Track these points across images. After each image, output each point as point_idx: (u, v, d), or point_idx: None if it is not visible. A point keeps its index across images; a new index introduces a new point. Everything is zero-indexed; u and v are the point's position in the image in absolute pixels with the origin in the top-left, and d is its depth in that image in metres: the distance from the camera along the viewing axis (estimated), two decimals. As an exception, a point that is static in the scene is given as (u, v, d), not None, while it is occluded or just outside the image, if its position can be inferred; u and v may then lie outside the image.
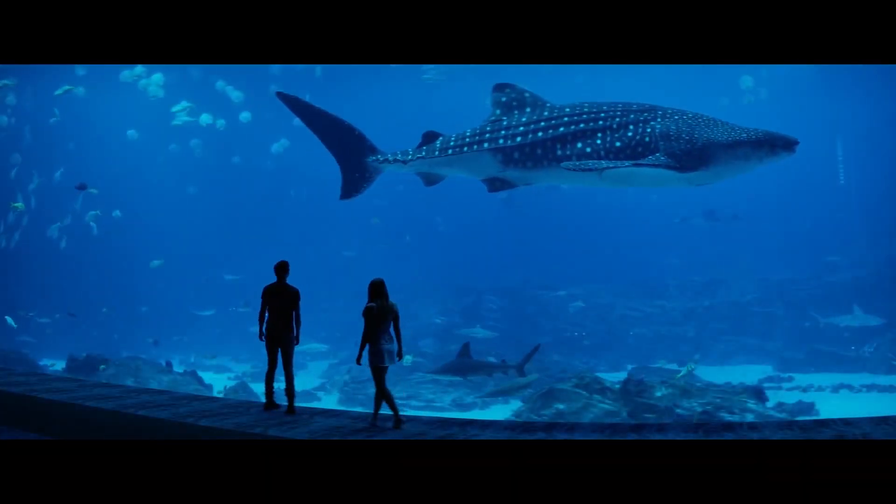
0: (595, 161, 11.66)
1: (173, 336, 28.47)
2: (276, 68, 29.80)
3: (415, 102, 33.26)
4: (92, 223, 28.31)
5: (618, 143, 11.72)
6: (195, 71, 30.17)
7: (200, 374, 21.33)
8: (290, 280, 8.64)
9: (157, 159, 35.47)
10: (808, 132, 11.83)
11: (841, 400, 18.32)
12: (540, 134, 12.26)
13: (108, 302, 31.21)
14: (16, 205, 26.28)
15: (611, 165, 11.49)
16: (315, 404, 18.12)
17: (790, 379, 21.19)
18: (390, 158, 13.63)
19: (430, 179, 13.72)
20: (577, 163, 11.75)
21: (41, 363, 23.01)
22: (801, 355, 23.17)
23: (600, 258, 35.33)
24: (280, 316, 8.54)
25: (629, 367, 22.79)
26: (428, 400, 18.76)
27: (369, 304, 7.62)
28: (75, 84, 29.29)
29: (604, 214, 37.08)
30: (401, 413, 7.76)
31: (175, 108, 26.89)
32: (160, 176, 37.17)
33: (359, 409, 8.08)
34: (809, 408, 16.46)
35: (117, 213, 29.43)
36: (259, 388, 18.43)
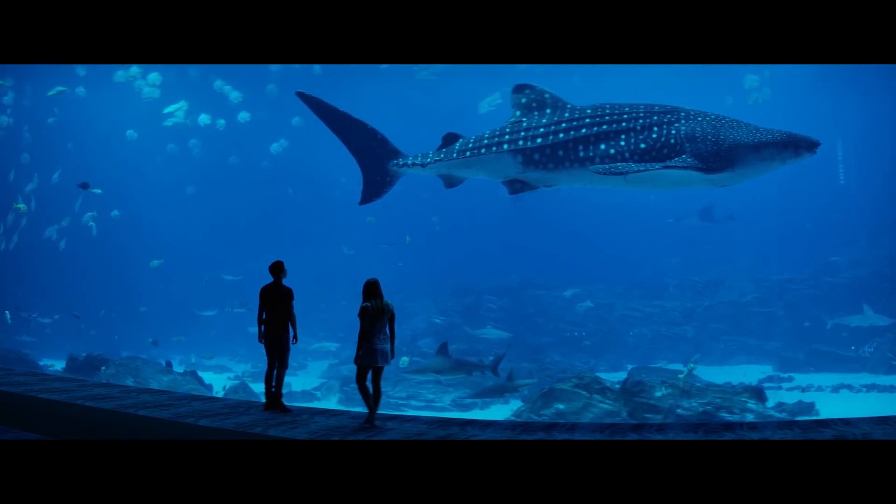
0: (624, 164, 11.60)
1: (173, 336, 28.46)
2: (275, 68, 29.81)
3: (415, 102, 33.31)
4: (92, 223, 28.31)
5: (642, 145, 11.67)
6: (194, 71, 30.18)
7: (200, 374, 21.32)
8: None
9: (155, 159, 35.48)
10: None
11: (841, 400, 18.30)
12: (561, 135, 12.20)
13: (108, 302, 31.23)
14: (18, 206, 26.28)
15: (641, 168, 11.44)
16: (315, 404, 18.15)
17: (790, 379, 21.18)
18: (409, 162, 13.57)
19: (450, 182, 13.64)
20: (606, 166, 11.66)
21: (41, 363, 23.00)
22: (801, 355, 23.16)
23: (600, 258, 35.34)
24: (275, 316, 8.56)
25: (629, 367, 22.80)
26: (428, 400, 18.76)
27: (364, 305, 7.67)
28: (76, 84, 29.37)
29: (603, 214, 37.09)
30: (400, 413, 7.78)
31: (168, 110, 26.95)
32: (159, 176, 37.19)
33: (359, 409, 8.08)
34: (809, 408, 16.44)
35: (116, 213, 29.42)
36: (259, 388, 18.44)
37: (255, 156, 35.35)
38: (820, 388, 19.82)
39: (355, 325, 7.85)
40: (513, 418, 14.59)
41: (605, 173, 11.65)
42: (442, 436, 7.31)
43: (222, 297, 29.75)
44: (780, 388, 19.84)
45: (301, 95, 14.00)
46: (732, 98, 28.84)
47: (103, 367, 19.82)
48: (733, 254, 31.01)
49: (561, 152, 12.19)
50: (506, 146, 12.64)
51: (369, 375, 7.80)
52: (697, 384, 15.54)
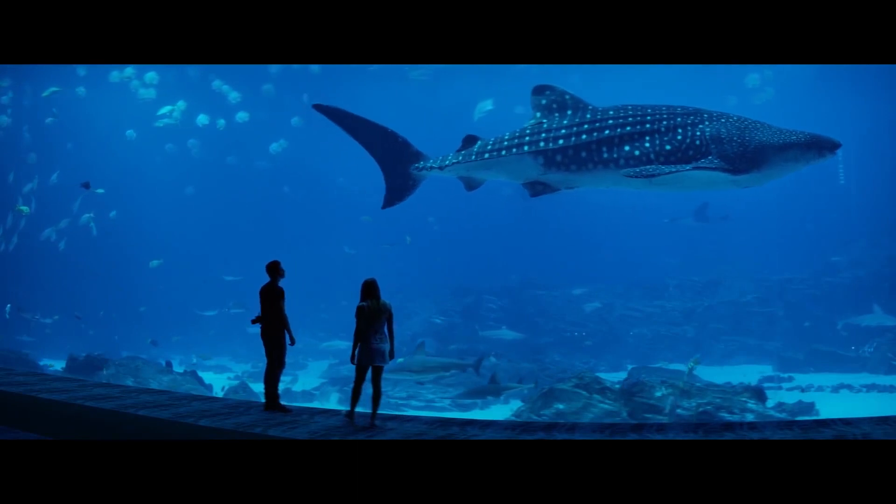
0: (654, 167, 11.59)
1: (172, 336, 28.48)
2: (273, 68, 29.82)
3: (414, 102, 33.30)
4: (91, 224, 28.33)
5: (668, 147, 11.66)
6: (193, 71, 30.19)
7: (200, 374, 21.33)
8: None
9: (155, 159, 35.50)
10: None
11: (841, 400, 18.29)
12: (584, 137, 12.15)
13: (108, 302, 31.23)
14: (21, 208, 26.31)
15: (672, 170, 11.44)
16: (315, 404, 18.15)
17: (790, 379, 21.17)
18: (428, 165, 13.52)
19: (470, 184, 13.58)
20: (637, 169, 11.63)
21: (41, 363, 23.00)
22: (801, 355, 23.16)
23: (600, 258, 35.35)
24: (271, 316, 8.56)
25: (629, 367, 22.81)
26: (428, 400, 18.77)
27: (360, 304, 7.69)
28: (76, 84, 29.42)
29: (604, 215, 37.11)
30: (400, 413, 7.79)
31: (161, 111, 27.02)
32: (159, 176, 37.20)
33: (359, 410, 8.08)
34: (809, 408, 16.44)
35: (114, 213, 29.43)
36: (259, 388, 18.44)
37: (255, 156, 35.39)
38: (820, 388, 19.82)
39: (354, 325, 7.85)
40: (513, 418, 14.59)
41: (636, 176, 11.63)
42: (442, 436, 7.31)
43: (222, 298, 29.78)
44: (780, 388, 19.84)
45: (319, 107, 13.94)
46: (736, 98, 28.84)
47: (105, 370, 19.80)
48: (733, 254, 31.02)
49: (584, 154, 12.14)
50: (527, 147, 12.56)
51: (368, 376, 7.81)
52: (697, 384, 15.54)
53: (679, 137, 11.67)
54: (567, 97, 12.80)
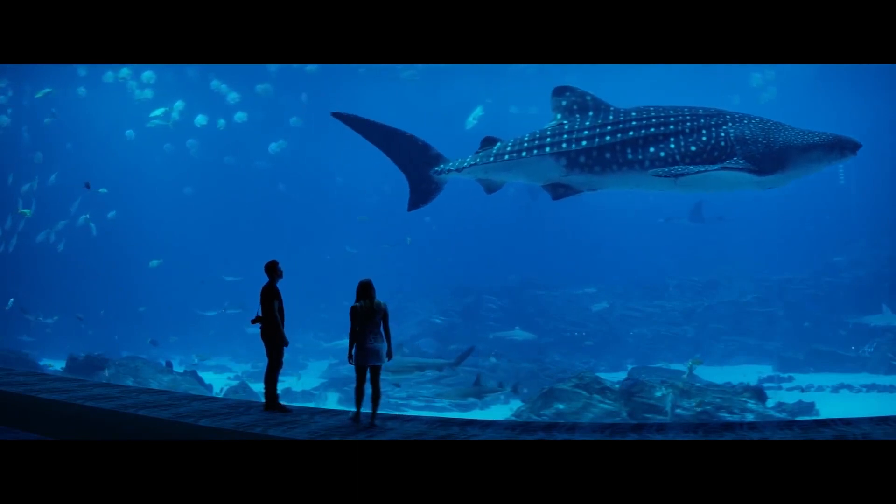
0: (682, 166, 11.61)
1: (172, 336, 28.48)
2: (272, 68, 29.82)
3: (413, 102, 33.28)
4: (91, 224, 28.33)
5: (693, 148, 11.67)
6: (192, 71, 30.19)
7: (200, 374, 21.33)
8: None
9: (154, 159, 35.50)
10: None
11: (841, 400, 18.29)
12: (608, 138, 12.12)
13: (108, 302, 31.22)
14: (23, 211, 26.32)
15: (701, 169, 11.45)
16: (315, 404, 18.14)
17: (790, 379, 21.17)
18: (446, 168, 13.48)
19: (489, 186, 13.56)
20: (665, 169, 11.63)
21: (41, 363, 23.00)
22: (801, 355, 23.16)
23: (601, 258, 35.33)
24: (268, 316, 8.56)
25: (629, 367, 22.81)
26: (428, 400, 18.77)
27: (354, 305, 7.76)
28: (75, 84, 29.41)
29: (604, 215, 37.08)
30: (400, 413, 7.80)
31: (155, 113, 27.06)
32: (158, 176, 37.20)
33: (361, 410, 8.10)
34: (809, 408, 16.45)
35: (113, 213, 29.43)
36: (259, 388, 18.43)
37: (254, 156, 35.38)
38: (820, 388, 19.82)
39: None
40: (513, 418, 14.59)
41: (664, 176, 11.63)
42: (442, 436, 7.31)
43: (222, 298, 29.79)
44: (780, 388, 19.85)
45: (337, 115, 13.92)
46: (739, 97, 28.83)
47: (105, 370, 19.80)
48: (733, 254, 31.01)
49: (608, 155, 12.10)
50: (548, 149, 12.48)
51: (367, 376, 7.84)
52: (697, 384, 15.54)
53: (704, 138, 11.69)
54: (588, 98, 12.76)
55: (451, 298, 29.96)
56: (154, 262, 28.50)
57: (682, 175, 11.50)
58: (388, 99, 32.37)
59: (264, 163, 35.28)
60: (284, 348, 8.72)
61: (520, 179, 13.34)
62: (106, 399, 9.53)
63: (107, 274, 34.37)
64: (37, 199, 28.35)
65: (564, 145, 12.38)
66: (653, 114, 12.13)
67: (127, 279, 33.58)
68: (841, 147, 11.44)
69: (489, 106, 25.31)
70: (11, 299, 25.43)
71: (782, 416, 14.82)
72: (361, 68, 30.20)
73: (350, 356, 7.81)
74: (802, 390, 19.60)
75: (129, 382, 18.23)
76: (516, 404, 16.58)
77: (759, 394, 14.88)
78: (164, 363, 21.63)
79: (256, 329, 8.75)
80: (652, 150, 11.82)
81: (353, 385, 7.94)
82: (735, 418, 13.34)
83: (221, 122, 29.65)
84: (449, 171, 13.51)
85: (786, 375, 21.60)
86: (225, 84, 29.18)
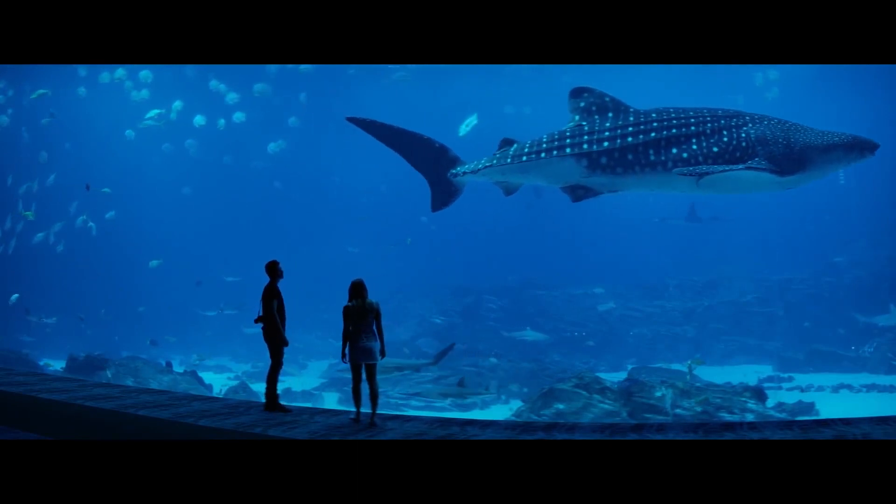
0: (708, 165, 11.64)
1: (172, 336, 28.48)
2: (271, 68, 29.83)
3: (413, 102, 33.29)
4: (91, 224, 28.34)
5: (715, 149, 11.71)
6: (190, 71, 30.20)
7: (200, 374, 21.34)
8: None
9: (153, 159, 35.50)
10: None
11: (841, 400, 18.31)
12: (630, 139, 12.10)
13: (108, 302, 31.22)
14: (26, 213, 26.33)
15: (725, 168, 11.51)
16: (315, 404, 18.14)
17: (790, 379, 21.19)
18: (462, 171, 13.45)
19: (507, 188, 13.53)
20: (690, 168, 11.67)
21: (41, 363, 23.01)
22: (801, 355, 23.17)
23: (601, 258, 35.32)
24: (265, 317, 8.56)
25: (629, 367, 22.81)
26: (428, 400, 18.76)
27: (347, 304, 7.86)
28: (76, 84, 29.39)
29: (604, 215, 37.06)
30: (400, 413, 7.82)
31: (149, 115, 27.10)
32: (158, 176, 37.19)
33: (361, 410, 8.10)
34: (809, 408, 16.46)
35: (112, 213, 29.43)
36: (259, 388, 18.43)
37: (253, 156, 35.38)
38: (820, 388, 19.83)
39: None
40: (513, 418, 14.60)
41: (689, 174, 11.66)
42: (442, 436, 7.31)
43: (222, 298, 29.80)
44: (780, 388, 19.86)
45: (352, 120, 13.90)
46: (744, 97, 28.80)
47: (105, 370, 19.79)
48: (733, 254, 31.00)
49: (630, 156, 12.09)
50: (569, 150, 12.43)
51: (363, 375, 7.88)
52: (697, 384, 15.55)
53: (725, 139, 11.74)
54: (607, 99, 12.75)
55: (451, 298, 29.97)
56: (154, 263, 28.51)
57: (707, 174, 11.54)
58: (388, 99, 32.42)
59: (263, 163, 35.29)
60: (284, 348, 8.72)
61: (538, 181, 13.28)
62: (106, 399, 9.53)
63: (106, 274, 34.37)
64: (36, 200, 28.37)
65: (586, 146, 12.35)
66: (673, 115, 12.16)
67: (127, 279, 33.58)
68: (860, 147, 11.58)
69: (486, 106, 25.28)
70: (16, 294, 25.41)
71: (782, 416, 14.83)
72: (361, 68, 30.20)
73: (343, 355, 7.88)
74: (802, 390, 19.61)
75: (129, 382, 18.23)
76: (516, 404, 16.59)
77: (759, 394, 14.89)
78: (164, 363, 21.64)
79: (255, 329, 8.75)
80: (674, 151, 11.86)
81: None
82: (735, 418, 13.34)
83: (221, 121, 29.66)
84: (465, 173, 13.46)
85: (786, 375, 21.61)
86: (223, 84, 29.18)
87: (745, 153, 11.59)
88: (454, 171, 13.59)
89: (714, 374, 20.23)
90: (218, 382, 21.49)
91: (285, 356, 8.85)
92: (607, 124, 12.39)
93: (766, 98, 28.86)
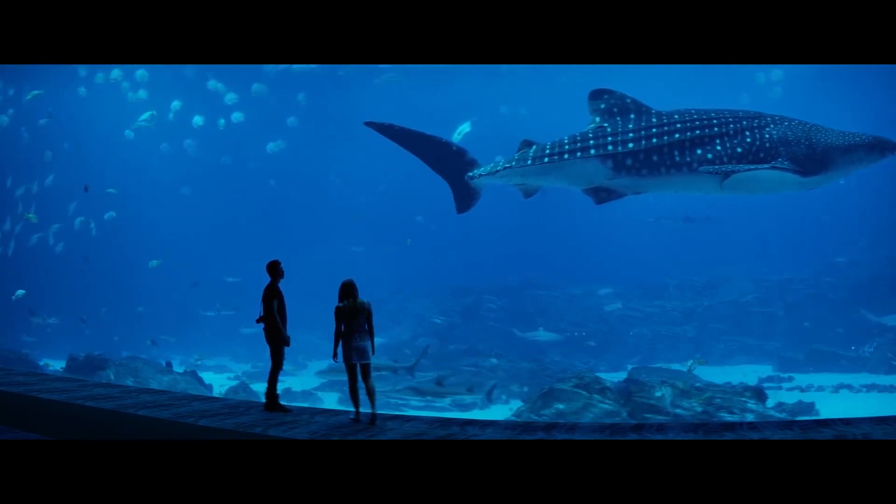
0: (733, 164, 11.70)
1: (172, 336, 28.48)
2: (270, 68, 29.84)
3: (412, 102, 33.29)
4: (91, 224, 28.35)
5: (738, 149, 11.76)
6: (189, 70, 30.20)
7: (200, 374, 21.34)
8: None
9: (152, 160, 35.51)
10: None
11: (841, 400, 18.31)
12: (655, 140, 12.09)
13: (108, 302, 31.23)
14: (28, 215, 26.34)
15: (751, 168, 11.58)
16: (315, 404, 18.14)
17: (790, 379, 21.19)
18: (478, 173, 13.39)
19: (527, 191, 13.46)
20: (716, 166, 11.71)
21: (41, 363, 23.01)
22: (801, 355, 23.18)
23: (601, 258, 35.31)
24: (265, 317, 8.56)
25: (629, 367, 22.80)
26: (428, 400, 18.75)
27: (338, 304, 7.87)
28: (75, 84, 29.39)
29: (604, 215, 37.02)
30: (400, 413, 7.83)
31: (143, 117, 27.14)
32: (157, 176, 37.20)
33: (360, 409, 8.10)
34: (809, 408, 16.46)
35: (111, 214, 29.43)
36: (259, 388, 18.44)
37: (252, 156, 35.39)
38: (820, 388, 19.84)
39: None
40: (513, 418, 14.59)
41: (715, 172, 11.69)
42: (442, 436, 7.31)
43: (222, 298, 29.81)
44: (780, 388, 19.86)
45: (370, 124, 13.84)
46: (748, 96, 28.79)
47: (105, 370, 19.78)
48: (733, 254, 30.99)
49: (656, 157, 12.08)
50: (593, 151, 12.36)
51: (359, 375, 7.91)
52: (697, 384, 15.55)
53: (748, 140, 11.79)
54: (628, 100, 12.72)
55: (451, 298, 29.95)
56: (153, 263, 28.51)
57: (733, 172, 11.59)
58: (388, 100, 32.41)
59: (262, 163, 35.29)
60: (285, 348, 8.72)
61: (559, 183, 13.15)
62: (106, 399, 9.53)
63: (106, 274, 34.36)
64: (36, 200, 28.38)
65: (610, 147, 12.31)
66: (695, 116, 12.18)
67: (126, 279, 33.57)
68: (882, 147, 11.66)
69: (482, 106, 25.27)
70: (21, 291, 25.38)
71: (782, 416, 14.83)
72: (361, 69, 30.20)
73: (335, 354, 7.92)
74: (802, 390, 19.62)
75: (129, 382, 18.23)
76: (516, 404, 16.58)
77: (759, 394, 14.89)
78: (164, 363, 21.64)
79: (254, 329, 8.76)
80: (699, 151, 11.89)
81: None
82: (735, 418, 13.34)
83: (221, 121, 29.67)
84: (481, 175, 13.38)
85: (786, 375, 21.61)
86: (222, 84, 29.18)
87: (769, 154, 11.66)
88: (471, 174, 13.52)
89: (714, 374, 20.23)
90: (218, 382, 21.50)
91: (286, 356, 8.85)
92: (630, 125, 12.37)
93: (768, 98, 28.83)
